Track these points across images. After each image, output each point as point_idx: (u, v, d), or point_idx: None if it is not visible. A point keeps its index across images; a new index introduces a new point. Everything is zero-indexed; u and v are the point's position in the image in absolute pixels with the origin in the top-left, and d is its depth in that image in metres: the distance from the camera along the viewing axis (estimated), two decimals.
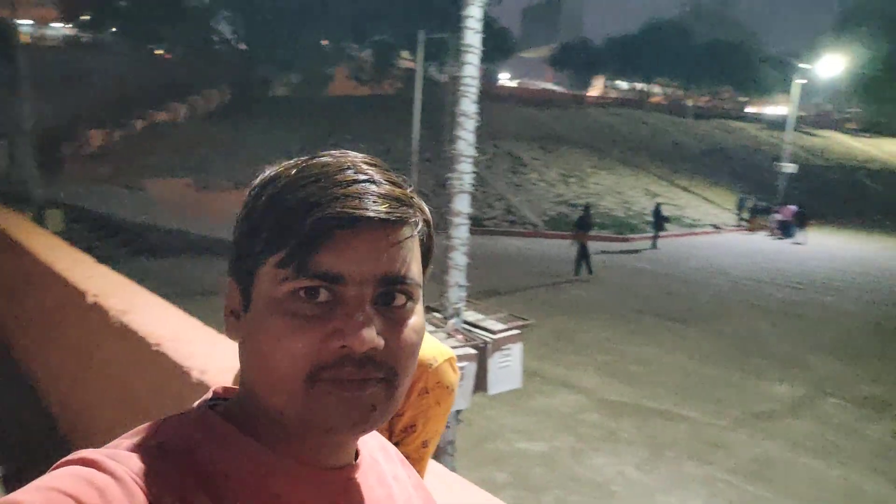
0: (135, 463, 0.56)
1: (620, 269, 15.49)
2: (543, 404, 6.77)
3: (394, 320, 0.61)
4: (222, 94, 35.97)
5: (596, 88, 56.69)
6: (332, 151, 0.66)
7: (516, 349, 3.66)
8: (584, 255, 13.84)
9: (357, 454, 0.70)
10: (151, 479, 0.54)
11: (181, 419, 0.63)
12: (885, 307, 12.62)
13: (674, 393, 7.28)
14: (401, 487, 0.75)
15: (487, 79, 40.05)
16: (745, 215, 26.22)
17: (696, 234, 22.68)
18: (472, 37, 3.28)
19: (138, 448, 0.58)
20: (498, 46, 35.16)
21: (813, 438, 6.30)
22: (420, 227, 0.63)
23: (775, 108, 53.09)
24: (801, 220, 22.66)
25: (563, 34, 53.00)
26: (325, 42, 38.35)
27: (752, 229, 24.78)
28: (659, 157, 32.60)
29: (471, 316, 3.99)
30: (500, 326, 3.76)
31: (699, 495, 5.08)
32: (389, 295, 0.61)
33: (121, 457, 0.56)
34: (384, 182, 0.62)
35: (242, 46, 38.38)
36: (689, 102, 48.87)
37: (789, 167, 28.12)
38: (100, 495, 0.51)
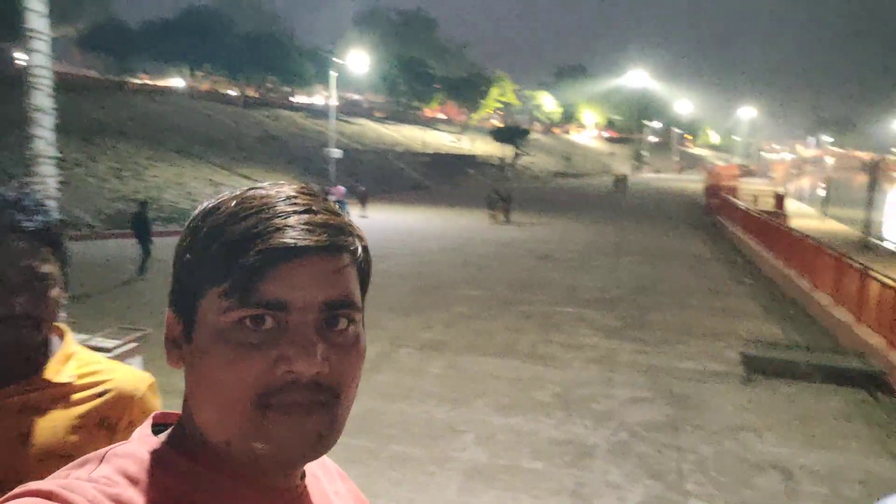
0: (93, 494, 0.54)
1: None
2: None
3: (337, 344, 0.62)
4: None
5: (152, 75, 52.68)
6: (270, 183, 0.67)
7: (136, 362, 3.37)
8: (147, 253, 13.15)
9: (303, 474, 0.70)
10: None
11: (132, 449, 0.62)
12: (426, 266, 15.20)
13: None
14: (342, 502, 0.77)
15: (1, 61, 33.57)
16: None
17: None
18: (37, 21, 2.82)
19: (94, 479, 0.57)
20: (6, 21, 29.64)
21: (395, 386, 7.34)
22: (359, 253, 0.67)
23: (309, 98, 57.64)
24: (363, 198, 25.92)
25: (89, 11, 47.37)
26: None
27: None
28: (217, 147, 32.34)
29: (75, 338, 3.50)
30: (113, 343, 3.40)
31: None
32: (332, 320, 0.62)
33: (77, 487, 0.55)
34: (322, 211, 0.64)
35: None
36: (236, 92, 49.49)
37: (336, 152, 31.13)
38: None
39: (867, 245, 20.91)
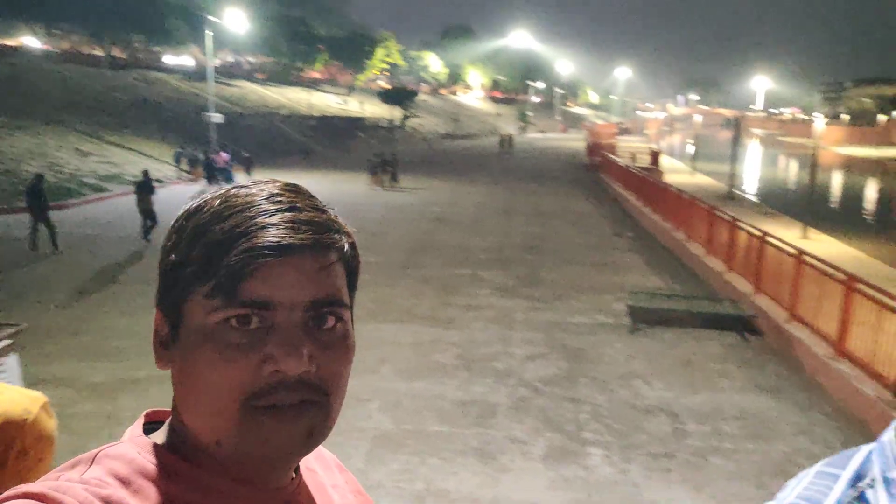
0: (84, 496, 0.54)
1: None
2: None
3: (324, 343, 0.62)
4: None
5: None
6: (254, 181, 0.66)
7: (11, 361, 3.04)
8: (37, 229, 12.27)
9: (297, 471, 0.70)
10: None
11: (123, 450, 0.62)
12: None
13: None
14: (340, 495, 0.77)
15: None
16: (185, 166, 26.62)
17: None
18: None
19: (85, 480, 0.57)
20: None
21: None
22: (346, 249, 0.65)
23: (183, 59, 54.23)
24: (248, 164, 24.70)
25: None
26: None
27: (195, 179, 25.37)
28: (83, 113, 29.77)
29: None
30: None
31: None
32: (319, 318, 0.62)
33: (68, 489, 0.54)
34: (308, 209, 0.63)
35: None
36: (101, 53, 45.66)
37: (216, 117, 29.53)
38: None
39: (732, 197, 22.55)
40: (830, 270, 7.44)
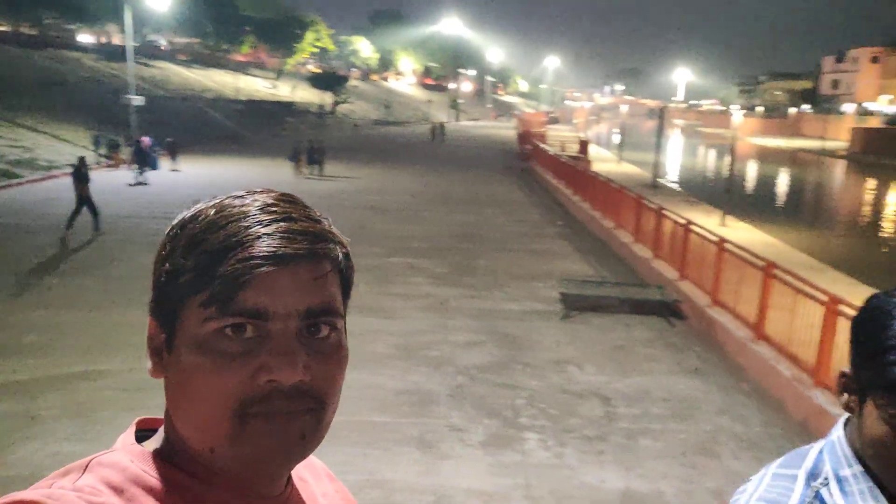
0: (79, 503, 0.54)
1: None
2: None
3: (319, 351, 0.62)
4: None
5: None
6: (248, 191, 0.66)
7: None
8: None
9: (289, 480, 0.70)
10: None
11: (115, 458, 0.62)
12: None
13: (86, 352, 6.87)
14: None
15: None
16: (105, 151, 25.39)
17: (55, 176, 20.75)
18: None
19: (79, 488, 0.57)
20: None
21: None
22: (340, 259, 0.66)
23: (99, 38, 51.59)
24: (173, 150, 23.57)
25: None
26: None
27: (115, 165, 24.25)
28: None
29: None
30: None
31: None
32: (314, 327, 0.62)
33: (62, 497, 0.54)
34: (302, 219, 0.63)
35: None
36: (7, 29, 42.82)
37: (137, 99, 28.25)
38: None
39: (656, 185, 23.36)
40: (749, 257, 7.84)
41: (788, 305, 6.79)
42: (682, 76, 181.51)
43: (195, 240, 0.62)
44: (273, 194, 0.66)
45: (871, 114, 71.39)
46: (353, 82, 67.22)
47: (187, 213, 0.65)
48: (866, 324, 0.91)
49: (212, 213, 0.63)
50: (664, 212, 11.00)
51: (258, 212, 0.62)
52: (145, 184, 19.99)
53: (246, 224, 0.61)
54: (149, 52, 50.76)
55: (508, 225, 15.60)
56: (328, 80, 57.99)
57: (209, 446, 0.61)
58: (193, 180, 21.00)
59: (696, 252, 9.40)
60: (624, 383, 6.62)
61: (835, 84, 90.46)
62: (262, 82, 58.72)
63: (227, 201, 0.65)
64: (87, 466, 0.61)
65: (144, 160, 21.14)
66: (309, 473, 0.79)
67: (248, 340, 0.60)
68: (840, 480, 0.92)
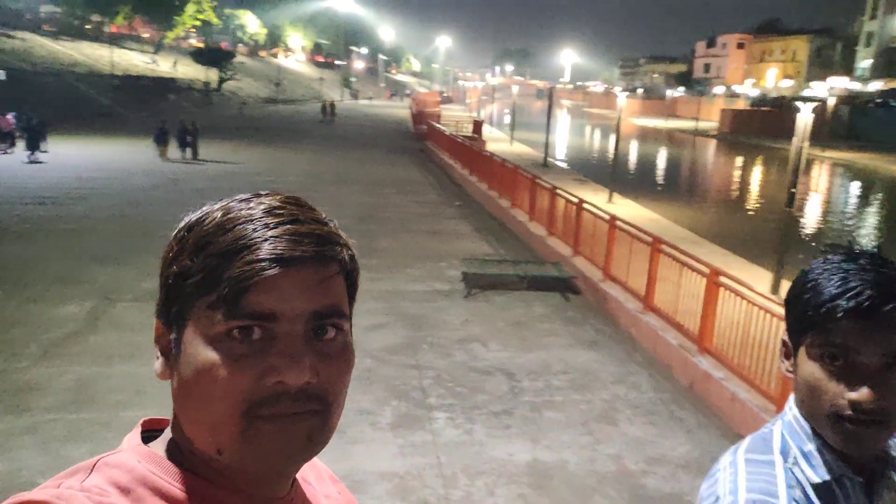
0: (87, 503, 0.55)
1: None
2: None
3: (325, 354, 0.63)
4: None
5: None
6: (254, 193, 0.66)
7: None
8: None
9: (293, 482, 0.71)
10: None
11: (122, 459, 0.62)
12: (129, 206, 13.71)
13: None
14: None
15: None
16: None
17: None
18: None
19: (86, 488, 0.57)
20: None
21: (117, 346, 6.62)
22: (346, 261, 0.66)
23: None
24: (41, 130, 20.87)
25: None
26: None
27: None
28: None
29: None
30: None
31: (20, 448, 4.78)
32: (320, 329, 0.63)
33: (71, 497, 0.55)
34: (309, 221, 0.64)
35: None
36: None
37: None
38: None
39: (547, 165, 24.11)
40: (638, 233, 8.28)
41: (674, 278, 7.25)
42: (568, 58, 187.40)
43: (202, 242, 0.62)
44: (279, 197, 0.66)
45: (738, 96, 76.92)
46: (240, 58, 64.42)
47: (193, 216, 0.66)
48: (792, 290, 1.00)
49: (218, 215, 0.64)
50: (558, 191, 11.38)
51: (264, 215, 0.63)
52: (39, 162, 18.78)
53: (252, 227, 0.62)
54: (8, 21, 46.26)
55: (408, 205, 15.61)
56: (212, 56, 55.25)
57: (216, 447, 0.62)
58: (67, 160, 19.48)
59: (588, 229, 9.81)
60: (526, 358, 6.85)
61: (706, 68, 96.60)
62: (139, 56, 55.13)
63: (233, 204, 0.65)
64: (94, 467, 0.61)
65: (8, 140, 19.34)
66: (312, 476, 0.80)
67: (255, 342, 0.61)
68: (806, 456, 0.97)
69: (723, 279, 6.33)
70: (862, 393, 0.90)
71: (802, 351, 0.97)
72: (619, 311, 8.11)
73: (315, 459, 0.77)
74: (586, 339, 7.54)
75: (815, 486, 0.94)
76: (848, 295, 0.90)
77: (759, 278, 8.91)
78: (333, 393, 0.64)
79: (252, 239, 0.61)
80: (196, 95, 49.30)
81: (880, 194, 31.13)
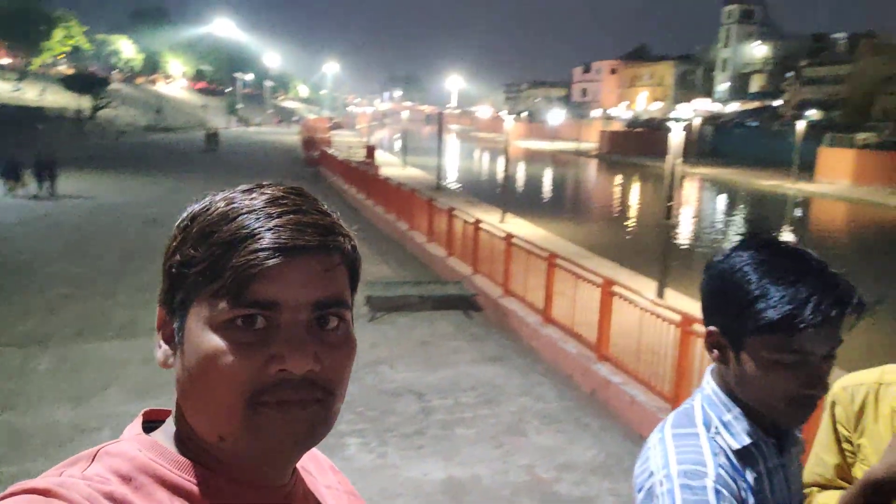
0: (88, 491, 0.55)
1: None
2: None
3: (328, 343, 0.63)
4: None
5: None
6: (257, 184, 0.67)
7: None
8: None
9: (294, 471, 0.71)
10: None
11: (123, 448, 0.62)
12: (1, 243, 12.66)
13: None
14: (333, 496, 0.79)
15: None
16: None
17: None
18: None
19: (88, 477, 0.58)
20: None
21: None
22: (349, 252, 0.67)
23: None
24: None
25: None
26: None
27: None
28: None
29: None
30: None
31: None
32: (323, 319, 0.64)
33: (72, 485, 0.55)
34: (312, 212, 0.65)
35: None
36: None
37: None
38: None
39: (440, 187, 24.50)
40: (534, 249, 8.60)
41: (570, 291, 7.57)
42: (454, 83, 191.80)
43: (206, 231, 0.63)
44: (282, 188, 0.67)
45: (613, 118, 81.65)
46: (115, 85, 61.15)
47: (197, 206, 0.66)
48: (725, 284, 1.04)
49: (222, 205, 0.64)
50: (455, 212, 11.61)
51: (267, 205, 0.63)
52: None
53: (256, 216, 0.62)
54: None
55: None
56: (84, 82, 52.15)
57: (218, 435, 0.62)
58: None
59: (486, 248, 10.07)
60: (434, 377, 6.90)
61: (584, 92, 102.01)
62: (1, 84, 51.12)
63: (236, 195, 0.66)
64: (95, 455, 0.61)
65: None
66: (313, 466, 0.80)
67: (258, 331, 0.61)
68: (726, 425, 1.07)
69: (616, 288, 6.69)
70: (818, 388, 1.00)
71: (749, 351, 1.02)
72: (521, 326, 8.36)
73: (316, 450, 0.79)
74: (491, 355, 7.70)
75: (737, 452, 1.05)
76: (809, 309, 0.94)
77: (645, 286, 9.47)
78: (336, 382, 0.65)
79: (256, 228, 0.61)
80: (68, 125, 46.24)
81: (742, 205, 34.00)
